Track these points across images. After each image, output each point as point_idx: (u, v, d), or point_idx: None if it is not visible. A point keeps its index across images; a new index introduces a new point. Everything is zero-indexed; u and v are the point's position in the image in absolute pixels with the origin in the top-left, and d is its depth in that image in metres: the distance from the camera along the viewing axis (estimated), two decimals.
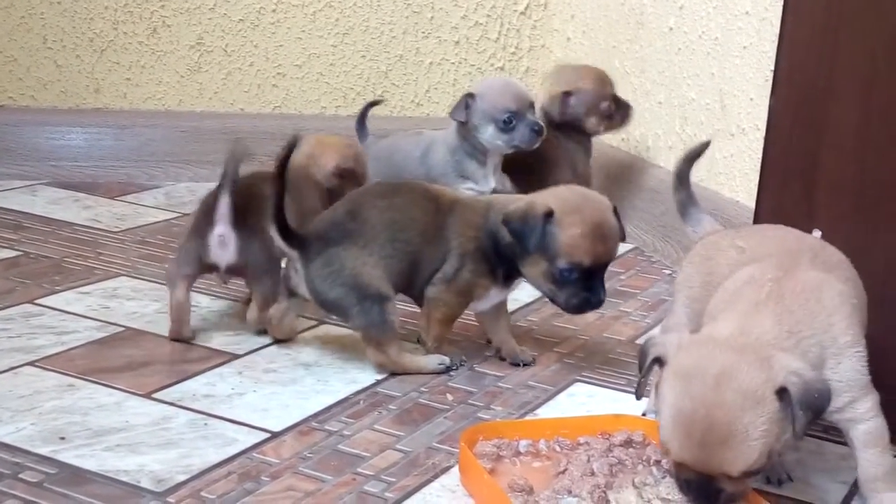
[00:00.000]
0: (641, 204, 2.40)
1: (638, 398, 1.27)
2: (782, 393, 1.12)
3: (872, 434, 1.26)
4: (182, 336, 1.72)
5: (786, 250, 1.33)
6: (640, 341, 1.82)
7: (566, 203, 1.60)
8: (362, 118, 2.39)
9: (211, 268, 1.73)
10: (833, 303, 1.25)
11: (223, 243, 1.69)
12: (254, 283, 1.74)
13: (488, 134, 2.14)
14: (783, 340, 1.18)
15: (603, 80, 2.35)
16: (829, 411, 1.19)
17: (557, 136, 2.29)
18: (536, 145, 2.15)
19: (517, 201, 1.64)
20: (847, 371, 1.23)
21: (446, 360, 1.66)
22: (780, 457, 1.26)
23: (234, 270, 1.73)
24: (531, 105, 2.15)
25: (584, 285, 1.60)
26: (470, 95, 2.15)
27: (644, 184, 2.45)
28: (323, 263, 1.60)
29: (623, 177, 2.52)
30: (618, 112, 2.35)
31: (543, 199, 1.61)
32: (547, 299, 1.67)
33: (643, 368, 1.23)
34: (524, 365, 1.71)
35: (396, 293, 1.65)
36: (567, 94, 2.31)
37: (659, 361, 1.20)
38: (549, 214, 1.58)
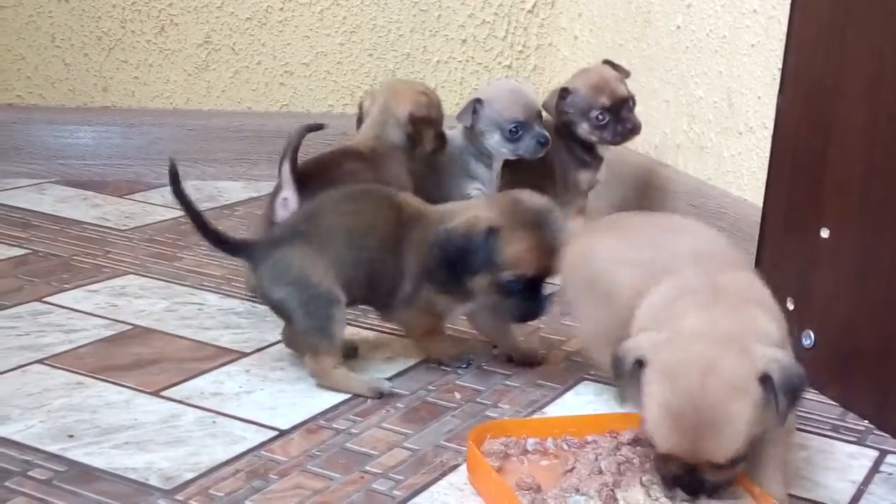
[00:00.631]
0: (648, 203, 2.40)
1: (621, 403, 1.27)
2: (765, 380, 1.16)
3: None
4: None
5: (674, 258, 1.34)
6: None
7: (510, 217, 1.56)
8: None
9: None
10: (761, 297, 1.28)
11: (285, 205, 1.80)
12: None
13: (494, 141, 2.14)
14: (748, 329, 1.20)
15: (601, 88, 2.18)
16: None
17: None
18: (540, 155, 2.15)
19: (461, 212, 1.59)
20: None
21: (384, 385, 1.57)
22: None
23: None
24: (539, 114, 2.15)
25: (528, 295, 1.57)
26: (478, 101, 2.14)
27: (651, 183, 2.45)
28: (272, 263, 1.55)
29: (630, 176, 2.51)
30: (613, 126, 2.19)
31: (486, 212, 1.57)
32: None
33: (624, 374, 1.23)
34: (538, 364, 1.71)
35: (355, 304, 1.62)
36: (565, 92, 2.21)
37: (640, 363, 1.21)
38: (492, 230, 1.54)
